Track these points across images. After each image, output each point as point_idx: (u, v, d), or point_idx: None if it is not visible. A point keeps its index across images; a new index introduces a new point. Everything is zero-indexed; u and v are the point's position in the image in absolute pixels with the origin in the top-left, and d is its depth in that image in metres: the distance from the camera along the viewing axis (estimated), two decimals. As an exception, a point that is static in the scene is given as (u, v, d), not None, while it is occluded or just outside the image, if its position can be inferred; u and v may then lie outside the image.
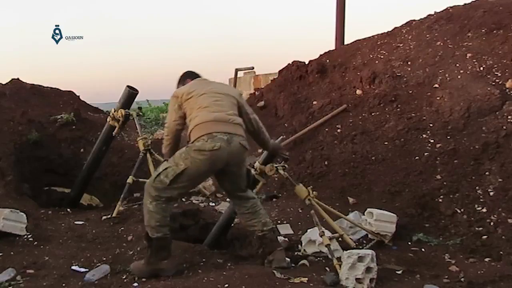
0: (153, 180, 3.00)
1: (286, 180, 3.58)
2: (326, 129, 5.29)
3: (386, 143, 4.82)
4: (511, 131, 4.26)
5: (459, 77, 5.07)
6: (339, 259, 2.99)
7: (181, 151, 3.03)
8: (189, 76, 3.39)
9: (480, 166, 4.17)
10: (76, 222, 4.01)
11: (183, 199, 4.85)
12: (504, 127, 4.32)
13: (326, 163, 4.94)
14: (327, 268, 3.10)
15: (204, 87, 3.19)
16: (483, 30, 5.45)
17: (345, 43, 7.82)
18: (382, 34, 6.41)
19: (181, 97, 3.15)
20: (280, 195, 4.81)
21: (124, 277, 3.00)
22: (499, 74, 4.89)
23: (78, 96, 6.35)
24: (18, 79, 5.99)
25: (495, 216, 3.78)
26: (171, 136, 3.23)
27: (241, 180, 3.25)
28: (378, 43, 6.24)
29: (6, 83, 5.89)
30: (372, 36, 6.50)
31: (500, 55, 5.06)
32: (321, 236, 3.19)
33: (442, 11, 6.21)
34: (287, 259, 3.26)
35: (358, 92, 5.58)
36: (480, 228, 3.74)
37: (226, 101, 3.17)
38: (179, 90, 3.24)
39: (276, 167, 3.44)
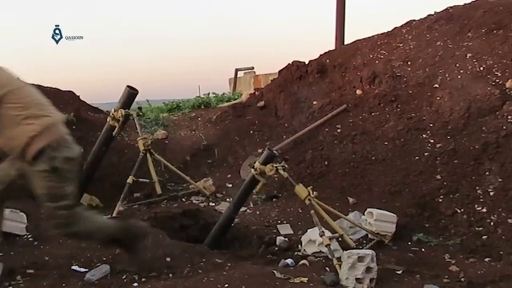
0: (59, 209, 2.60)
1: (286, 180, 3.57)
2: (326, 129, 5.29)
3: (386, 143, 4.82)
4: (511, 131, 4.27)
5: (459, 77, 5.07)
6: (339, 259, 2.99)
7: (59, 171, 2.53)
8: None
9: (480, 166, 4.18)
10: (76, 222, 4.00)
11: (183, 199, 4.85)
12: (504, 127, 4.32)
13: (326, 163, 4.94)
14: (327, 268, 3.10)
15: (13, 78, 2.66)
16: (483, 30, 5.45)
17: (345, 43, 7.84)
18: (382, 34, 6.42)
19: None
20: (280, 195, 4.80)
21: (124, 277, 2.99)
22: (499, 74, 4.89)
23: (78, 96, 6.33)
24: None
25: (495, 216, 3.78)
26: None
27: None
28: (378, 43, 6.24)
29: (6, 83, 5.86)
30: (372, 36, 6.50)
31: (500, 55, 5.07)
32: (321, 236, 3.19)
33: (442, 11, 6.22)
34: None
35: (358, 92, 5.57)
36: (480, 228, 3.74)
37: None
38: None
39: (276, 167, 3.44)
